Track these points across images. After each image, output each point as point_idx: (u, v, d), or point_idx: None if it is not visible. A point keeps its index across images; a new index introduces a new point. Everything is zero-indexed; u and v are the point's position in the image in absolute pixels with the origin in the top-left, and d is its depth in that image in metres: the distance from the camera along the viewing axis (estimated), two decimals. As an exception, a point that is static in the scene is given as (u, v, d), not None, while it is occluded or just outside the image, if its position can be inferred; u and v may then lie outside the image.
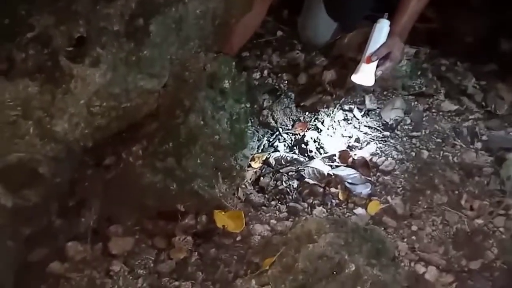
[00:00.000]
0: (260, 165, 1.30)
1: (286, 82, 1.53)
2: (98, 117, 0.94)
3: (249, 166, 1.28)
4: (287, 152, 1.33)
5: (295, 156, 1.30)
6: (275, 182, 1.23)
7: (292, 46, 1.66)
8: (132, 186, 1.04)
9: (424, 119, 1.31)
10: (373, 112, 1.36)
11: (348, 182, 1.18)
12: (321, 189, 1.19)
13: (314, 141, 1.33)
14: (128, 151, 1.04)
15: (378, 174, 1.19)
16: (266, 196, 1.20)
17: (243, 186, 1.21)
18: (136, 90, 0.97)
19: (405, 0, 1.33)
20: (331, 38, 1.58)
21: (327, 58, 1.56)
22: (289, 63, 1.60)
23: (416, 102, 1.36)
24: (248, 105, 1.15)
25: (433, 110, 1.33)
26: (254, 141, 1.34)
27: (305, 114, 1.42)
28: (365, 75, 1.25)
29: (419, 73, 1.44)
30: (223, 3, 1.11)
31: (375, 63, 1.25)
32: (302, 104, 1.44)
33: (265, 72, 1.57)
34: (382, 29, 1.26)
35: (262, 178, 1.25)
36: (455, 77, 1.43)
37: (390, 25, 1.26)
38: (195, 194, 1.05)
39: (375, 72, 1.25)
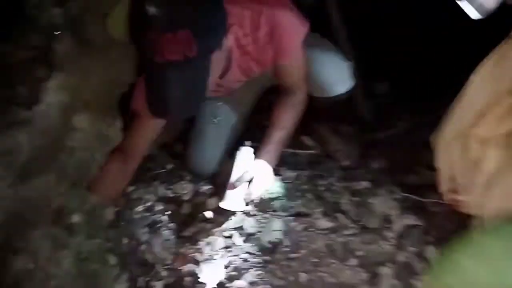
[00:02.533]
0: (131, 310, 1.15)
1: (169, 213, 1.48)
2: None
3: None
4: (162, 291, 1.20)
5: (169, 297, 1.17)
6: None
7: (181, 177, 1.65)
8: None
9: (301, 239, 1.29)
10: (253, 237, 1.32)
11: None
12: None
13: (192, 275, 1.23)
14: None
15: (255, 306, 1.10)
16: None
17: None
18: None
19: (268, 130, 1.45)
20: (218, 166, 1.62)
21: (213, 186, 1.57)
22: (175, 194, 1.58)
23: (294, 223, 1.36)
24: (104, 241, 1.06)
25: (310, 229, 1.33)
26: (123, 283, 1.20)
27: (185, 245, 1.34)
28: (232, 201, 1.26)
29: (298, 194, 1.48)
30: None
31: (240, 189, 1.27)
32: (182, 235, 1.37)
33: (149, 204, 1.52)
34: (243, 157, 1.32)
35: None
36: (331, 196, 1.49)
37: (256, 153, 1.34)
38: None
39: (243, 198, 1.26)
